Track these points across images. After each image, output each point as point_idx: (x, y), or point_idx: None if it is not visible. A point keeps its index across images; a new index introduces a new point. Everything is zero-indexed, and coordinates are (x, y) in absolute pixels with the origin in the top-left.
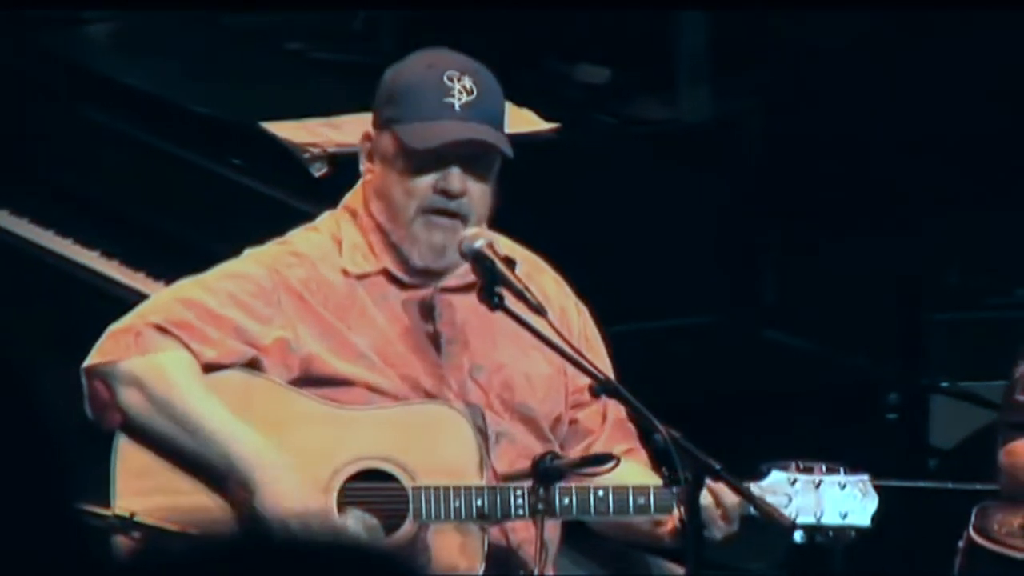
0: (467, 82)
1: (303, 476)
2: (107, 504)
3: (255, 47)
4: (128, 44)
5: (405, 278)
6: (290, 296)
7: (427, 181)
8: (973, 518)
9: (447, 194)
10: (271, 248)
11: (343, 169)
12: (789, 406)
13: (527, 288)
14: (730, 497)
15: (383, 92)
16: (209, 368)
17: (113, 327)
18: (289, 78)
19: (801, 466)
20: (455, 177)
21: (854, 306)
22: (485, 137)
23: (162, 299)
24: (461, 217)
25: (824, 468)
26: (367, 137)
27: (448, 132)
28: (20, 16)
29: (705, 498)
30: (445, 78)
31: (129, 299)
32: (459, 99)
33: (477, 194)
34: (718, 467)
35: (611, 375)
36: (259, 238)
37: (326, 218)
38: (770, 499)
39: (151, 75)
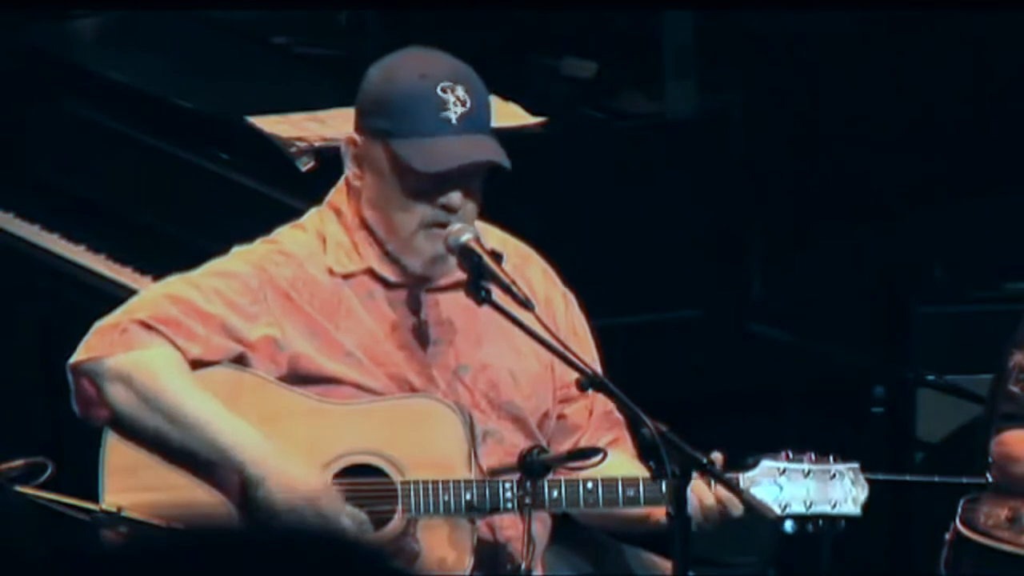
0: (460, 92)
1: (297, 462)
2: (95, 499)
3: (241, 42)
4: (114, 39)
5: (391, 278)
6: (277, 295)
7: (428, 198)
8: (960, 511)
9: (448, 209)
10: (258, 247)
11: (329, 163)
12: (775, 400)
13: (514, 282)
14: (704, 497)
15: (371, 98)
16: (195, 364)
17: (100, 323)
18: (275, 73)
19: (791, 455)
20: (457, 196)
21: (840, 299)
22: (488, 156)
23: (149, 296)
24: None
25: (814, 457)
26: (352, 142)
27: (452, 153)
28: (5, 12)
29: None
30: (439, 90)
31: (116, 294)
32: (455, 112)
33: (471, 205)
34: (705, 461)
35: (597, 366)
36: (246, 232)
37: (312, 215)
38: (759, 488)
39: (137, 70)
